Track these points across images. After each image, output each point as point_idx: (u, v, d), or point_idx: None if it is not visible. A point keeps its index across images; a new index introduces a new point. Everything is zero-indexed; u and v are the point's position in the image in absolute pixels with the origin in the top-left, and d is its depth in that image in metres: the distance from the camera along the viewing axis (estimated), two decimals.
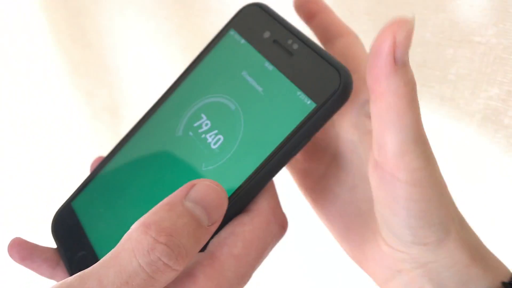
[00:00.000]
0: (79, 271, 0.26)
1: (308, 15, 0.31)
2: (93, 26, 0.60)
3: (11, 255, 0.29)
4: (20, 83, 0.67)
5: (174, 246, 0.20)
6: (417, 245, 0.25)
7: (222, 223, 0.24)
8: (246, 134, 0.27)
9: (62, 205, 0.31)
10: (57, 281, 0.28)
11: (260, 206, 0.25)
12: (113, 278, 0.19)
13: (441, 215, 0.24)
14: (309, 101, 0.25)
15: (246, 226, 0.24)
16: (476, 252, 0.26)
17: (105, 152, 0.32)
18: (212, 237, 0.24)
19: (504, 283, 0.26)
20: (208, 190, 0.21)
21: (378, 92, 0.22)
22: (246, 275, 0.24)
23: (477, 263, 0.26)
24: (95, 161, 0.33)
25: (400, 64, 0.21)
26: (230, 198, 0.25)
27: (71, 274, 0.28)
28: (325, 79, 0.25)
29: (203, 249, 0.24)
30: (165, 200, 0.21)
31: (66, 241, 0.30)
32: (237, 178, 0.26)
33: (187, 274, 0.22)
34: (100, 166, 0.31)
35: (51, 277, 0.30)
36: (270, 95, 0.27)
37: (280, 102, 0.26)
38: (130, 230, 0.20)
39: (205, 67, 0.30)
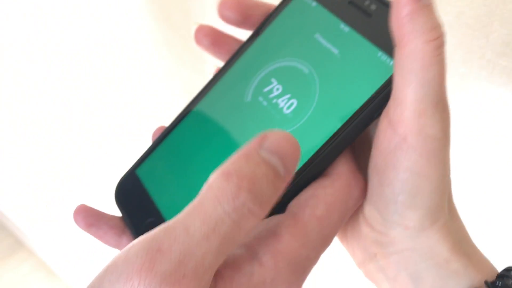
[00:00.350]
0: None
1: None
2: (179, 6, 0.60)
3: (76, 222, 0.29)
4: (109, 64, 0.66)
5: (257, 193, 0.19)
6: (398, 226, 0.24)
7: (301, 186, 0.24)
8: (322, 98, 0.26)
9: (126, 173, 0.32)
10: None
11: (340, 170, 0.25)
12: (200, 226, 0.19)
13: (434, 201, 0.24)
14: (391, 62, 0.25)
15: (328, 189, 0.24)
16: (460, 247, 0.25)
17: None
18: (291, 199, 0.24)
19: (487, 283, 0.25)
20: (281, 140, 0.20)
21: (401, 34, 0.21)
22: (328, 237, 0.24)
23: (458, 259, 0.25)
24: (156, 130, 0.33)
25: (424, 3, 0.20)
26: (307, 162, 0.25)
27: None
28: None
29: (280, 211, 0.24)
30: (241, 151, 0.20)
31: (132, 208, 0.30)
32: (314, 142, 0.25)
33: (272, 232, 0.22)
34: (165, 134, 0.31)
35: (116, 245, 0.29)
36: (347, 57, 0.26)
37: (359, 63, 0.26)
38: (210, 180, 0.20)
39: (273, 31, 0.30)
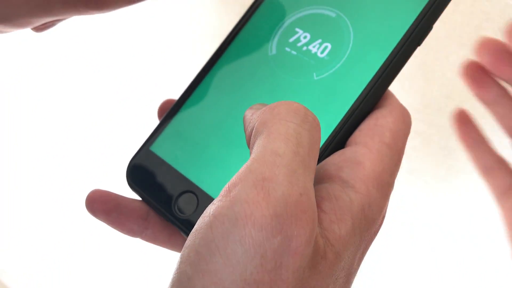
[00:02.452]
0: (187, 212, 0.26)
1: None
2: None
3: (92, 210, 0.26)
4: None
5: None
6: None
7: (359, 120, 0.25)
8: (358, 36, 0.27)
9: (138, 153, 0.30)
10: (148, 237, 0.27)
11: (393, 100, 0.26)
12: (284, 145, 0.19)
13: None
14: None
15: (389, 118, 0.24)
16: None
17: None
18: (350, 134, 0.25)
19: None
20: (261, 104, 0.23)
21: None
22: (398, 164, 0.24)
23: None
24: (163, 104, 0.31)
25: None
26: (360, 97, 0.25)
27: (173, 218, 0.26)
28: None
29: (341, 146, 0.25)
30: (248, 114, 0.22)
31: (154, 188, 0.28)
32: (362, 76, 0.26)
33: (354, 162, 0.22)
34: (179, 104, 0.30)
35: (140, 232, 0.27)
36: None
37: None
38: (261, 113, 0.21)
39: None
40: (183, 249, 0.18)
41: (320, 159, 0.23)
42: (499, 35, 0.37)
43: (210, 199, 0.26)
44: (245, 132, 0.22)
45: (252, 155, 0.19)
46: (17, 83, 0.75)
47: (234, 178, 0.19)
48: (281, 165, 0.18)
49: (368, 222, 0.21)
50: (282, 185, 0.18)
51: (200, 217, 0.19)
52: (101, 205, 0.26)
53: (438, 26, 0.39)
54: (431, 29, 0.26)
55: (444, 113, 0.42)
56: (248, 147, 0.21)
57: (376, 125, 0.24)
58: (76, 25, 0.63)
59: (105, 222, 0.26)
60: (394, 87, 0.43)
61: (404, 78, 0.42)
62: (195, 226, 0.19)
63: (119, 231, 0.27)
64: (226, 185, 0.19)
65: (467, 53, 0.39)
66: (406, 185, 0.48)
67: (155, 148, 0.29)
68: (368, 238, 0.22)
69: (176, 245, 0.28)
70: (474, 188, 0.44)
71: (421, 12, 0.25)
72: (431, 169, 0.46)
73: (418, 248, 0.51)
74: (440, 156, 0.44)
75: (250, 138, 0.21)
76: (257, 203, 0.17)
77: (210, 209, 0.18)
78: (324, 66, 0.27)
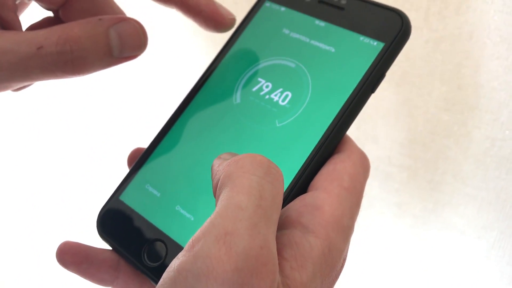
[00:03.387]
0: (156, 261, 0.26)
1: None
2: None
3: (62, 262, 0.26)
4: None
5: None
6: None
7: (318, 166, 0.26)
8: (316, 85, 0.28)
9: (109, 202, 0.30)
10: (119, 285, 0.27)
11: (350, 145, 0.27)
12: (247, 199, 0.19)
13: None
14: (375, 43, 0.28)
15: (347, 162, 0.25)
16: None
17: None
18: (311, 179, 0.26)
19: None
20: (229, 153, 0.24)
21: None
22: (358, 206, 0.24)
23: None
24: (133, 152, 0.32)
25: None
26: (319, 142, 0.27)
27: (143, 267, 0.27)
28: (386, 21, 0.28)
29: (302, 191, 0.25)
30: (216, 165, 0.23)
31: (125, 237, 0.28)
32: (321, 124, 0.27)
33: (313, 207, 0.23)
34: (148, 153, 0.31)
35: (111, 281, 0.27)
36: (330, 46, 0.29)
37: (344, 50, 0.28)
38: (226, 167, 0.21)
39: (246, 38, 0.31)
40: None
41: (283, 205, 0.24)
42: (478, 72, 0.38)
43: (179, 247, 0.27)
44: (212, 182, 0.23)
45: (216, 209, 0.20)
46: None
47: (198, 232, 0.19)
48: (243, 219, 0.19)
49: (329, 266, 0.22)
50: (243, 239, 0.18)
51: (165, 271, 0.19)
52: (71, 257, 0.26)
53: (421, 64, 0.41)
54: (384, 77, 0.28)
55: (429, 148, 0.43)
56: (214, 197, 0.22)
57: (335, 170, 0.25)
58: None
59: (76, 273, 0.27)
60: (381, 124, 0.45)
61: (389, 114, 0.44)
62: (160, 281, 0.19)
63: (90, 281, 0.27)
64: (190, 240, 0.19)
65: (449, 89, 0.40)
66: (395, 219, 0.49)
67: (125, 197, 0.30)
68: (329, 282, 0.22)
69: None
70: (462, 221, 0.45)
71: (374, 61, 0.27)
72: (419, 202, 0.46)
73: (406, 280, 0.51)
74: (427, 190, 0.45)
75: (216, 189, 0.21)
76: (219, 258, 0.18)
77: (174, 264, 0.19)
78: (286, 113, 0.28)
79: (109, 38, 0.25)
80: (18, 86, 0.26)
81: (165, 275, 0.19)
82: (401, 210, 0.48)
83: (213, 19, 0.28)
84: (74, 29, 0.24)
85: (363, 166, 0.26)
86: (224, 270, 0.17)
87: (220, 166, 0.22)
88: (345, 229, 0.23)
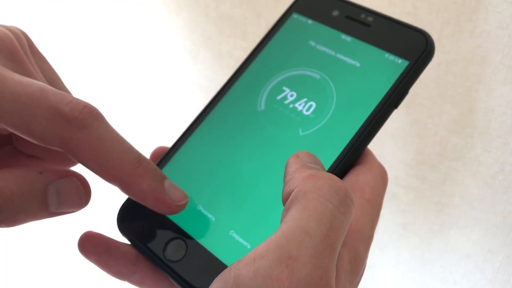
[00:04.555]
0: (174, 259, 0.26)
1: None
2: None
3: (84, 251, 0.26)
4: None
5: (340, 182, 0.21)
6: None
7: (341, 175, 0.27)
8: (340, 98, 0.29)
9: (128, 200, 0.30)
10: (136, 280, 0.27)
11: (371, 158, 0.27)
12: (317, 226, 0.19)
13: None
14: (400, 60, 0.28)
15: (368, 174, 0.26)
16: None
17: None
18: None
19: None
20: (308, 153, 0.24)
21: None
22: (377, 217, 0.25)
23: None
24: (157, 150, 0.32)
25: None
26: (342, 153, 0.27)
27: (162, 264, 0.27)
28: (411, 40, 0.29)
29: None
30: (293, 167, 0.23)
31: (144, 233, 0.28)
32: (344, 136, 0.28)
33: None
34: (172, 152, 0.31)
35: (128, 276, 0.27)
36: (355, 61, 0.30)
37: (369, 65, 0.29)
38: (299, 185, 0.21)
39: (272, 47, 0.32)
40: None
41: None
42: (489, 96, 0.38)
43: (198, 246, 0.27)
44: (284, 183, 0.23)
45: (283, 227, 0.20)
46: None
47: (260, 247, 0.19)
48: (309, 246, 0.19)
49: (354, 274, 0.23)
50: (306, 267, 0.18)
51: (220, 279, 0.19)
52: (92, 247, 0.26)
53: (432, 86, 0.41)
54: (407, 93, 0.28)
55: (437, 169, 0.43)
56: (283, 204, 0.22)
57: (357, 181, 0.26)
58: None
59: (95, 264, 0.27)
60: (389, 144, 0.45)
61: (398, 135, 0.44)
62: (214, 286, 0.19)
63: (108, 273, 0.27)
64: (252, 253, 0.19)
65: (459, 112, 0.40)
66: (400, 238, 0.49)
67: None
68: (354, 286, 0.23)
69: None
70: (468, 243, 0.45)
71: (398, 78, 0.28)
72: (424, 223, 0.46)
73: None
74: (434, 211, 0.45)
75: (287, 197, 0.22)
76: (280, 281, 0.18)
77: (231, 273, 0.19)
78: (309, 123, 0.29)
79: (47, 194, 0.23)
80: None
81: (219, 282, 0.19)
82: (406, 231, 0.47)
83: (157, 207, 0.25)
84: (7, 180, 0.22)
85: (383, 179, 0.27)
86: None
87: (296, 173, 0.22)
88: (367, 238, 0.24)
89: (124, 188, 0.24)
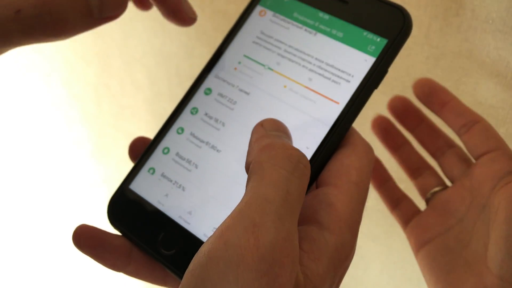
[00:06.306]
0: (168, 250, 0.27)
1: (439, 104, 0.35)
2: None
3: (78, 244, 0.27)
4: None
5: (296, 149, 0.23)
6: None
7: (325, 159, 0.27)
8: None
9: (118, 191, 0.30)
10: (130, 271, 0.28)
11: (355, 138, 0.28)
12: (274, 192, 0.21)
13: None
14: (378, 38, 0.28)
15: (352, 157, 0.26)
16: None
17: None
18: (318, 173, 0.27)
19: None
20: (273, 121, 0.25)
21: None
22: (365, 200, 0.26)
23: None
24: (134, 141, 0.32)
25: None
26: (328, 134, 0.28)
27: (157, 255, 0.27)
28: (388, 18, 0.28)
29: (310, 185, 0.26)
30: (255, 135, 0.24)
31: (138, 225, 0.29)
32: (327, 118, 0.28)
33: (326, 204, 0.24)
34: (156, 141, 0.31)
35: (123, 266, 0.28)
36: (335, 39, 0.29)
37: (347, 43, 0.29)
38: (253, 155, 0.23)
39: (246, 30, 0.32)
40: (180, 286, 0.20)
41: None
42: (477, 89, 0.39)
43: (192, 237, 0.28)
44: (247, 154, 0.24)
45: (245, 198, 0.21)
46: None
47: (227, 220, 0.21)
48: (270, 212, 0.20)
49: (341, 260, 0.23)
50: (269, 232, 0.20)
51: (195, 257, 0.21)
52: (87, 240, 0.27)
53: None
54: (386, 73, 0.28)
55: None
56: (246, 172, 0.23)
57: (342, 165, 0.26)
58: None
59: (90, 256, 0.28)
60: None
61: None
62: (190, 266, 0.21)
63: (103, 265, 0.28)
64: (220, 226, 0.21)
65: None
66: (391, 229, 0.49)
67: (135, 186, 0.31)
68: (341, 272, 0.24)
69: (158, 279, 0.29)
70: None
71: (377, 58, 0.28)
72: None
73: None
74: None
75: (247, 168, 0.23)
76: (248, 248, 0.19)
77: (204, 249, 0.20)
78: None
79: None
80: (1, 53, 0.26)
81: (195, 260, 0.20)
82: (395, 227, 0.48)
83: (174, 12, 0.28)
84: None
85: (368, 158, 0.27)
86: (252, 260, 0.19)
87: (256, 143, 0.24)
88: (355, 224, 0.25)
89: None
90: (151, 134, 0.33)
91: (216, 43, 0.33)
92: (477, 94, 0.39)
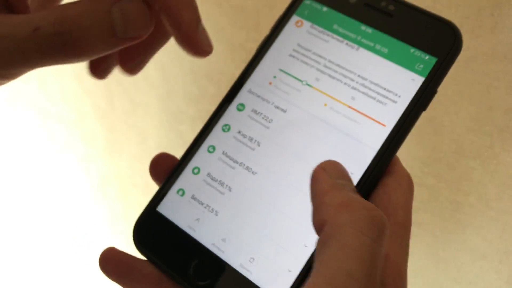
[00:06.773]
0: (203, 280, 0.25)
1: None
2: None
3: (105, 270, 0.25)
4: None
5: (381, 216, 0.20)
6: None
7: (372, 186, 0.25)
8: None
9: (144, 215, 0.28)
10: None
11: (399, 167, 0.26)
12: (359, 267, 0.18)
13: None
14: (427, 56, 0.26)
15: (398, 191, 0.24)
16: None
17: None
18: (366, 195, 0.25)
19: None
20: (335, 164, 0.22)
21: None
22: (409, 239, 0.24)
23: None
24: (156, 158, 0.29)
25: None
26: (375, 159, 0.25)
27: (190, 286, 0.25)
28: (437, 33, 0.26)
29: None
30: (318, 185, 0.21)
31: (166, 252, 0.26)
32: (374, 143, 0.26)
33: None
34: (185, 161, 0.29)
35: None
36: (379, 56, 0.27)
37: (392, 60, 0.27)
38: (326, 215, 0.20)
39: (281, 42, 0.29)
40: None
41: None
42: (509, 94, 0.37)
43: (228, 267, 0.26)
44: (312, 202, 0.21)
45: (324, 270, 0.19)
46: None
47: None
48: None
49: None
50: None
51: None
52: (114, 267, 0.25)
53: (449, 82, 0.39)
54: (435, 93, 0.27)
55: (453, 168, 0.42)
56: (315, 231, 0.21)
57: (390, 202, 0.24)
58: None
59: (118, 283, 0.26)
60: (405, 141, 0.44)
61: (414, 132, 0.42)
62: None
63: None
64: None
65: (477, 110, 0.39)
66: (413, 237, 0.48)
67: (163, 208, 0.28)
68: None
69: None
70: (484, 244, 0.44)
71: (427, 77, 0.26)
72: (439, 222, 0.45)
73: None
74: (449, 210, 0.44)
75: (318, 226, 0.20)
76: None
77: None
78: None
79: (112, 16, 0.23)
80: (19, 75, 0.24)
81: None
82: (420, 229, 0.46)
83: (187, 41, 0.25)
84: (73, 7, 0.22)
85: (411, 191, 0.25)
86: None
87: (326, 197, 0.21)
88: (405, 275, 0.23)
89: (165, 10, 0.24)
90: (163, 133, 0.30)
91: (233, 40, 0.31)
92: (509, 99, 0.37)
